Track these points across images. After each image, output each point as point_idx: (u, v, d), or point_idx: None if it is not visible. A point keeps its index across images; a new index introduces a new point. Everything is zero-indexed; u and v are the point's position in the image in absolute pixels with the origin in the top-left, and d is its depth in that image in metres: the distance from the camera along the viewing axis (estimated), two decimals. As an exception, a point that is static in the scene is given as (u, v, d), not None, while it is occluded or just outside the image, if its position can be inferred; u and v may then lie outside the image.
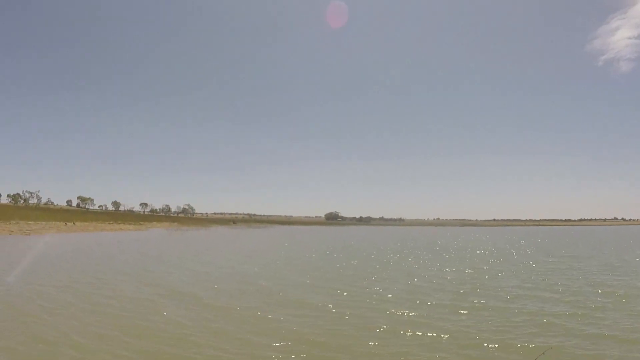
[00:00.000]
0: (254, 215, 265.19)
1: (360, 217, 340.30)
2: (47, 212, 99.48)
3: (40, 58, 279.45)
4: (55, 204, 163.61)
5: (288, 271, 23.00)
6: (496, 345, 9.56)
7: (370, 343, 9.72)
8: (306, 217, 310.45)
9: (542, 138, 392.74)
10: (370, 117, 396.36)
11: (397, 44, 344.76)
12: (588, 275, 21.97)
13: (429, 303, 14.29)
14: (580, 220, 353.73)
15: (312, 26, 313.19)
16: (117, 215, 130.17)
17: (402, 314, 12.67)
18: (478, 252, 38.69)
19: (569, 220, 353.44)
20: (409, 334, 10.43)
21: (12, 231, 57.87)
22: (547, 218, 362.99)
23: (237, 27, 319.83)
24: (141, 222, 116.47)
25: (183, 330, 10.70)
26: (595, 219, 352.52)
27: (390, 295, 15.72)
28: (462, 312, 13.01)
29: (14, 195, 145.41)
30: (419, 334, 10.45)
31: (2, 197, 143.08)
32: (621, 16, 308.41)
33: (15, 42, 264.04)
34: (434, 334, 10.41)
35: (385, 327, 11.10)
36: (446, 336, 10.24)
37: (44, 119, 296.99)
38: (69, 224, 79.16)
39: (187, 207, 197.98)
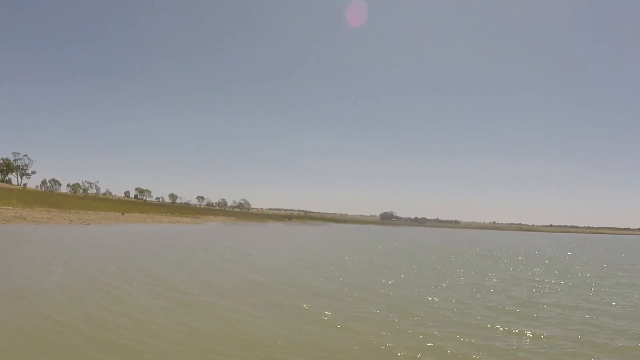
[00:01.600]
0: (309, 212, 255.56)
1: (416, 217, 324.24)
2: (105, 202, 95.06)
3: (101, 42, 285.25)
4: (113, 194, 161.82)
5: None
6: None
7: None
8: (361, 215, 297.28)
9: (608, 145, 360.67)
10: (429, 116, 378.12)
11: (445, 38, 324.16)
12: None
13: None
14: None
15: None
16: (174, 208, 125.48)
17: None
18: None
19: (628, 229, 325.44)
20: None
21: (71, 220, 53.99)
22: (604, 226, 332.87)
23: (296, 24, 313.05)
24: (197, 215, 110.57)
25: None
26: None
27: None
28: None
29: (73, 185, 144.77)
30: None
31: (62, 187, 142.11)
32: None
33: (64, 27, 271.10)
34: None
35: None
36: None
37: (104, 110, 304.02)
38: (126, 214, 73.17)
39: (242, 202, 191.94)
